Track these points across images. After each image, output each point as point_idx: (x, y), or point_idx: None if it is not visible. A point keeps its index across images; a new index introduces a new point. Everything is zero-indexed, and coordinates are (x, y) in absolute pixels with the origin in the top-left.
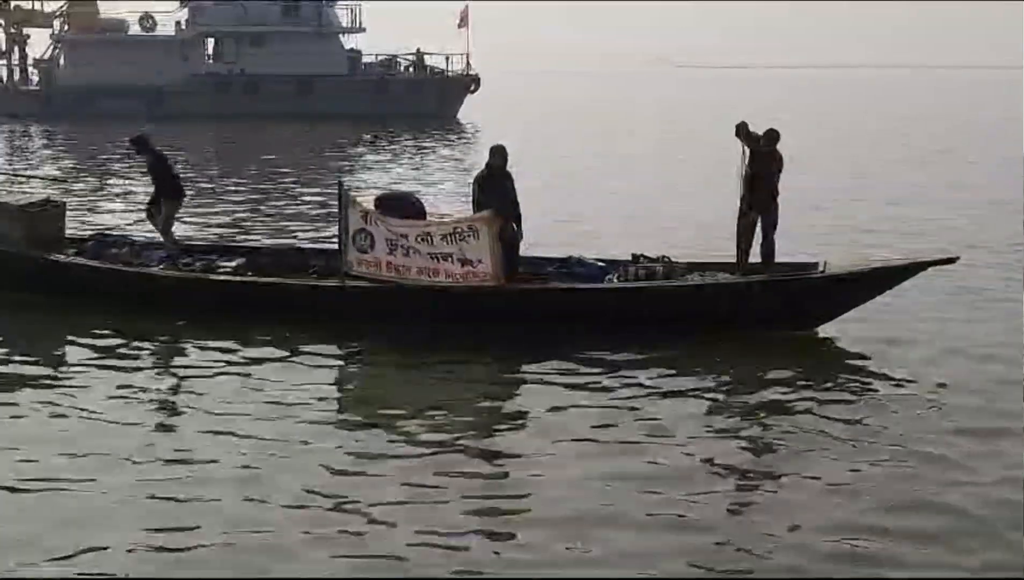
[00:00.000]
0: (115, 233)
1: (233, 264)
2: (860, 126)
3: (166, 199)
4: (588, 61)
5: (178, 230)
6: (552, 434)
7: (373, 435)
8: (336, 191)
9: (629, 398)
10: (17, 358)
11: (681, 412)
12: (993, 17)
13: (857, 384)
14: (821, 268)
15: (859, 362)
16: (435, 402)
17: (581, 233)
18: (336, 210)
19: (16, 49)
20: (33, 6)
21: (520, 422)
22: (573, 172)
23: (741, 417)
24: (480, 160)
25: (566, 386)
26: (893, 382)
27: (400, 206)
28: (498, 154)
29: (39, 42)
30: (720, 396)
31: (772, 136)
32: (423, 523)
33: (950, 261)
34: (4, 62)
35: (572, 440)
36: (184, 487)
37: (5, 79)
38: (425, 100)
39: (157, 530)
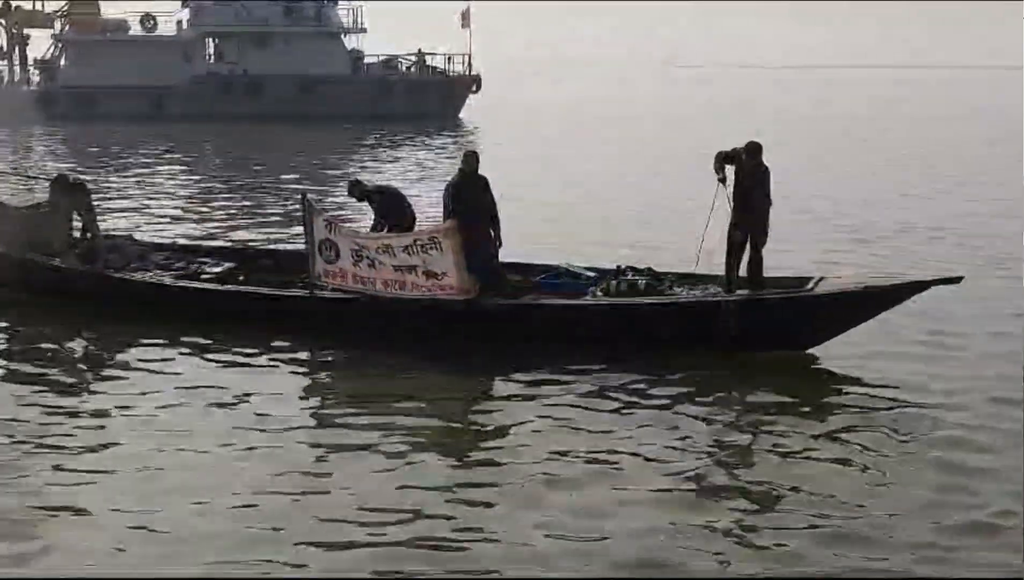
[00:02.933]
0: (120, 235)
1: (219, 269)
2: (870, 127)
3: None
4: (592, 62)
5: (182, 231)
6: (518, 454)
7: (334, 449)
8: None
9: (603, 417)
10: None
11: (659, 433)
12: (993, 17)
13: (847, 407)
14: (811, 285)
15: (851, 384)
16: (397, 418)
17: (578, 238)
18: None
19: (17, 50)
20: (35, 6)
21: (491, 442)
22: (574, 172)
23: (719, 440)
24: (483, 159)
25: (535, 404)
26: (886, 405)
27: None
28: (470, 159)
29: (40, 43)
30: (698, 417)
31: (754, 149)
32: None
33: (954, 281)
34: (5, 63)
35: (542, 461)
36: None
37: (6, 80)
38: (427, 100)
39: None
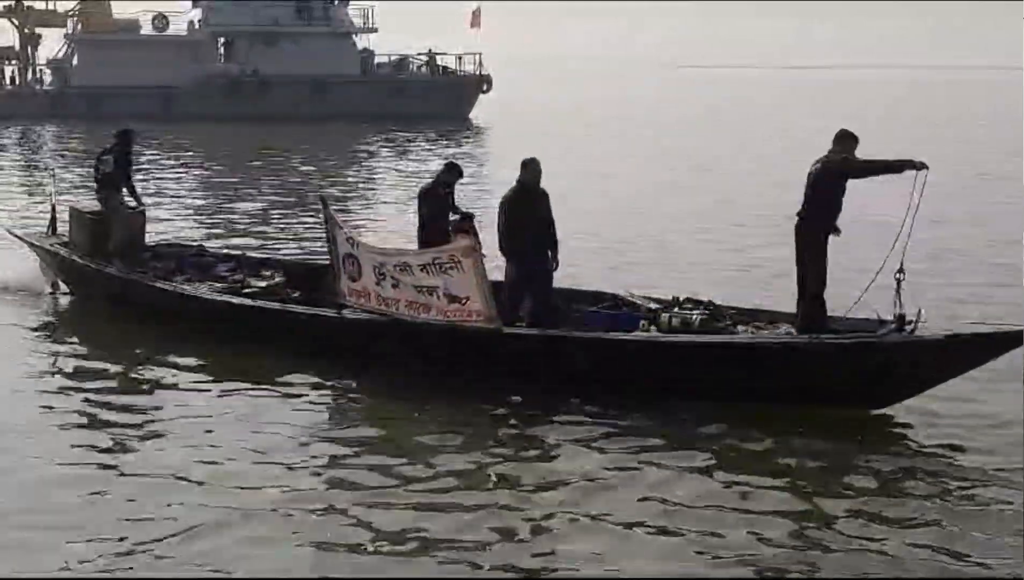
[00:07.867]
0: (190, 245)
1: (264, 282)
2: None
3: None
4: (595, 63)
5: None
6: (540, 506)
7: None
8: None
9: (636, 472)
10: None
11: (699, 493)
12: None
13: (925, 480)
14: (888, 330)
15: (932, 451)
16: (418, 450)
17: (614, 254)
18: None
19: (28, 49)
20: (47, 6)
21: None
22: (591, 175)
23: (753, 511)
24: (491, 160)
25: (556, 446)
26: (969, 479)
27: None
28: (530, 169)
29: (52, 43)
30: (729, 478)
31: (848, 139)
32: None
33: None
34: (18, 62)
35: (568, 510)
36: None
37: (18, 80)
38: (438, 100)
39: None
